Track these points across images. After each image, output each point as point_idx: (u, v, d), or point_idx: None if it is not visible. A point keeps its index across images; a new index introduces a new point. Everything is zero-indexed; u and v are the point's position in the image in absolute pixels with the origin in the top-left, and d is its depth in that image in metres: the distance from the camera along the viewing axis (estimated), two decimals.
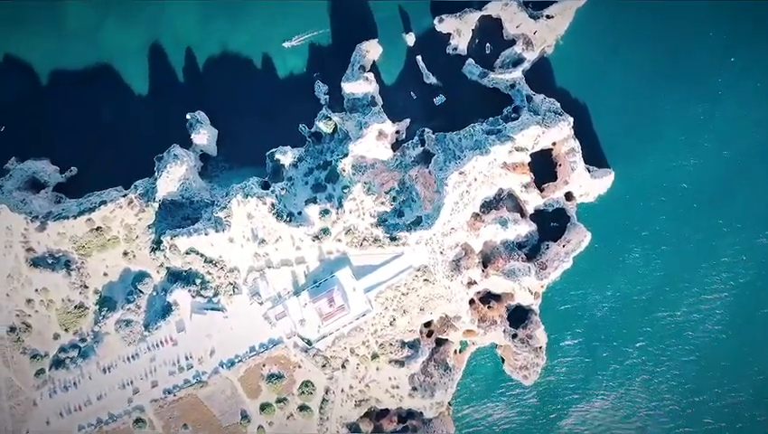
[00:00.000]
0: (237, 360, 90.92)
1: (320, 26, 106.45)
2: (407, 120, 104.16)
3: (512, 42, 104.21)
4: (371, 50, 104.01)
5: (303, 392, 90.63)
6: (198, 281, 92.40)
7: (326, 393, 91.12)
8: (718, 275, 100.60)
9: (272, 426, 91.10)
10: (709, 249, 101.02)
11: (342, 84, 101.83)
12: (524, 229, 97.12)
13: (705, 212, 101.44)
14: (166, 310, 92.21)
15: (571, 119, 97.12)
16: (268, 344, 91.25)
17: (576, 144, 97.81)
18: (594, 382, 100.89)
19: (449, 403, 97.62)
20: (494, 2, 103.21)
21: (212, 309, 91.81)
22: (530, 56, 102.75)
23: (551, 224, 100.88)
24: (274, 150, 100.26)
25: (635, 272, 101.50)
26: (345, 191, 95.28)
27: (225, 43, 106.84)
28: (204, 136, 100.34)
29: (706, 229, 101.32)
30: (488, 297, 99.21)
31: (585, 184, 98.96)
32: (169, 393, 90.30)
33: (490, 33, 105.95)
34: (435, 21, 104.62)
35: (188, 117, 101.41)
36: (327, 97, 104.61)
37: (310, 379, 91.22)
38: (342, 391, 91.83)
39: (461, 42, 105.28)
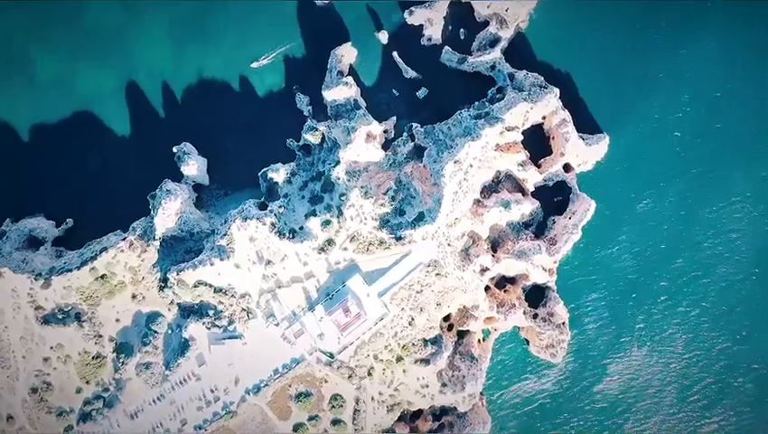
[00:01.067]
0: (262, 384, 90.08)
1: (290, 39, 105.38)
2: (394, 118, 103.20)
3: (486, 24, 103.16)
4: (346, 54, 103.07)
5: (333, 406, 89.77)
6: (211, 313, 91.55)
7: (357, 404, 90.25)
8: (731, 214, 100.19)
9: None
10: (717, 190, 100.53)
11: (323, 92, 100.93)
12: (528, 207, 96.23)
13: (704, 156, 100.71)
14: (184, 346, 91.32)
15: (557, 90, 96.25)
16: (291, 364, 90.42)
17: (565, 114, 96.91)
18: (622, 343, 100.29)
19: (481, 393, 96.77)
20: None
21: (230, 338, 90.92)
22: (506, 34, 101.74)
23: (554, 199, 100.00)
24: (266, 169, 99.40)
25: (646, 227, 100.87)
26: (343, 198, 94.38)
27: (200, 71, 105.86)
28: (194, 167, 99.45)
29: (708, 172, 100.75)
30: (503, 282, 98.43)
31: (581, 153, 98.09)
32: (200, 429, 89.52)
33: (461, 17, 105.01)
34: (405, 14, 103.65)
35: (174, 150, 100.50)
36: (310, 108, 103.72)
37: (338, 392, 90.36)
38: (372, 398, 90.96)
39: (434, 32, 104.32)
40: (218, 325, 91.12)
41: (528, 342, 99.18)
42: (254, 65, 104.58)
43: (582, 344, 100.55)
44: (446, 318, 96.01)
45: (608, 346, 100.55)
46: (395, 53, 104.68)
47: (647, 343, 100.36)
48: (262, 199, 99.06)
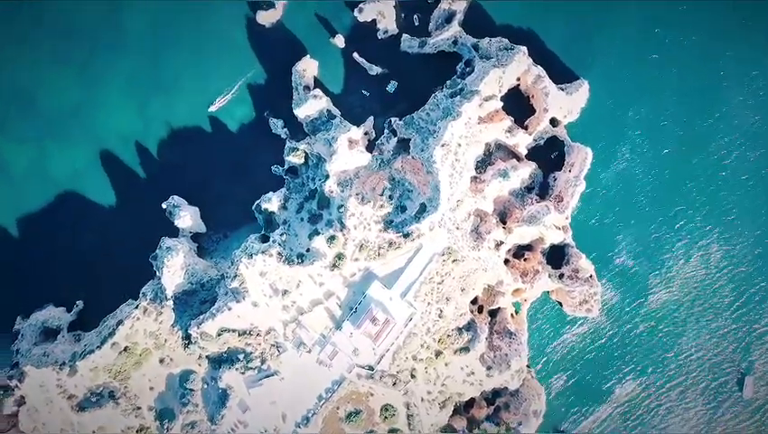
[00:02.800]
0: (310, 414, 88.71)
1: (248, 68, 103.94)
2: (371, 118, 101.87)
3: (437, 2, 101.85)
4: (308, 67, 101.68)
5: (386, 418, 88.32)
6: (241, 357, 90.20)
7: (408, 409, 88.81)
8: (729, 122, 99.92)
9: None
10: (708, 104, 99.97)
11: (295, 111, 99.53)
12: (526, 171, 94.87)
13: (691, 61, 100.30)
14: (223, 397, 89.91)
15: (524, 48, 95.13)
16: (333, 387, 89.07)
17: (538, 69, 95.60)
18: (653, 278, 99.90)
19: (528, 366, 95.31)
20: None
21: (266, 377, 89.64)
22: (459, 6, 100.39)
23: (550, 156, 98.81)
24: (258, 201, 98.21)
25: (649, 158, 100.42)
26: (341, 210, 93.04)
27: (168, 123, 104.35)
28: (187, 218, 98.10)
29: (697, 86, 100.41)
30: (520, 251, 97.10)
31: (564, 104, 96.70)
32: None
33: (412, 2, 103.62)
34: (356, 13, 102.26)
35: (164, 206, 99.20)
36: (286, 130, 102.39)
37: (387, 402, 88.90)
38: (422, 399, 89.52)
39: (388, 23, 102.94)
40: (251, 368, 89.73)
41: (560, 304, 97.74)
42: (211, 109, 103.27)
43: (615, 287, 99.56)
44: (474, 301, 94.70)
45: (641, 282, 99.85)
46: (355, 54, 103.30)
47: (676, 277, 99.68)
48: (262, 232, 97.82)
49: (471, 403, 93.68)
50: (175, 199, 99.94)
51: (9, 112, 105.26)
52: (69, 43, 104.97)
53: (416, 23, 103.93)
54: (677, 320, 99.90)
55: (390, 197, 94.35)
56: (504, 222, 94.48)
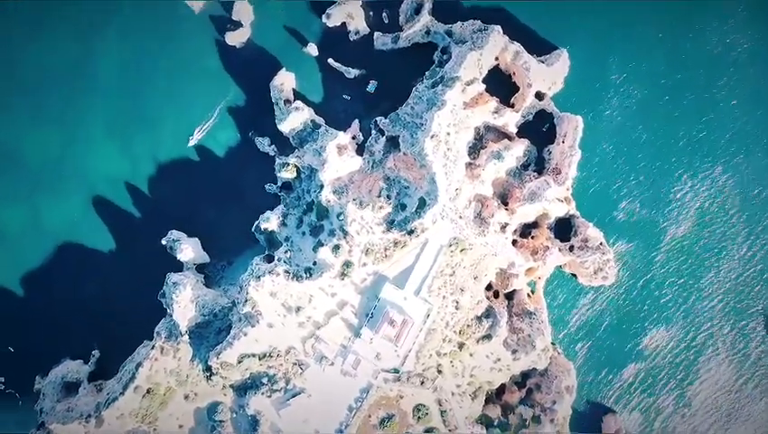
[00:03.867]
0: (343, 427, 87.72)
1: (225, 92, 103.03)
2: (356, 121, 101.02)
3: None
4: (285, 80, 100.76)
5: (419, 418, 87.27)
6: (265, 380, 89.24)
7: (440, 405, 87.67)
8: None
9: None
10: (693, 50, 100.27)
11: (279, 127, 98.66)
12: (519, 149, 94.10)
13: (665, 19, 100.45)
14: (254, 423, 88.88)
15: (498, 27, 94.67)
16: (362, 395, 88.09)
17: (516, 46, 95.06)
18: (664, 222, 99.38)
19: (552, 344, 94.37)
20: None
21: (293, 397, 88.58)
22: None
23: (541, 130, 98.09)
24: (257, 222, 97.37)
25: (637, 110, 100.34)
26: (341, 218, 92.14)
27: (154, 157, 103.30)
28: (189, 251, 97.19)
29: (678, 32, 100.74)
30: (527, 230, 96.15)
31: (546, 76, 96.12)
32: None
33: (377, 2, 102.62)
34: (324, 19, 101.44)
35: (164, 242, 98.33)
36: (273, 146, 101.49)
37: (418, 402, 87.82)
38: (453, 394, 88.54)
39: (358, 24, 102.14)
40: (277, 390, 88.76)
41: (575, 276, 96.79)
42: (191, 143, 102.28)
43: (627, 241, 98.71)
44: (489, 288, 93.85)
45: (652, 228, 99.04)
46: (330, 60, 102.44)
47: (693, 192, 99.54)
48: (266, 252, 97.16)
49: (502, 390, 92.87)
50: (174, 233, 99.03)
51: None
52: (43, 96, 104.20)
53: (386, 20, 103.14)
54: (693, 260, 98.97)
55: (388, 197, 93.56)
56: (506, 204, 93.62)
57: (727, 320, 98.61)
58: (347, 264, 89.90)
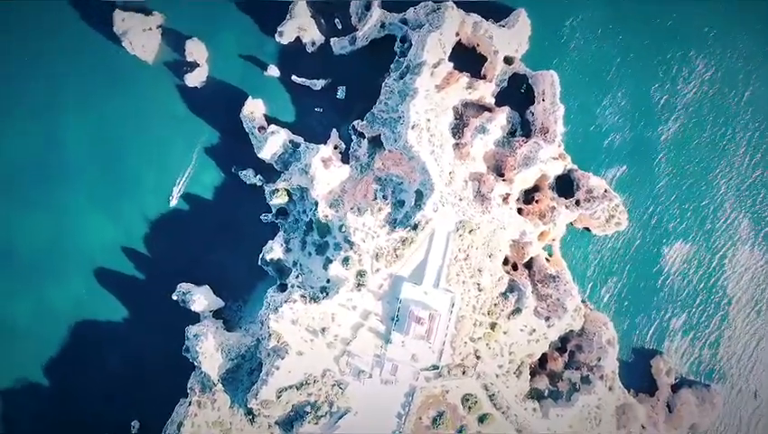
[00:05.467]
0: None
1: (199, 135, 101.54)
2: (334, 131, 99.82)
3: None
4: (254, 108, 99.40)
5: (470, 408, 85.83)
6: (308, 409, 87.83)
7: (487, 390, 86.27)
8: None
9: None
10: None
11: (259, 155, 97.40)
12: (501, 118, 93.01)
13: None
14: None
15: (450, 3, 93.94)
16: (408, 400, 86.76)
17: (473, 17, 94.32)
18: (656, 145, 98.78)
19: (583, 301, 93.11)
20: None
21: (340, 418, 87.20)
22: None
23: (519, 93, 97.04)
24: (261, 255, 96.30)
25: (610, 42, 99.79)
26: (343, 230, 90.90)
27: (145, 218, 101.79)
28: (202, 300, 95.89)
29: None
30: (529, 195, 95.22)
31: (510, 39, 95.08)
32: None
33: (325, 7, 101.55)
34: (276, 38, 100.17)
35: (174, 297, 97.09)
36: (259, 176, 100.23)
37: (465, 392, 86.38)
38: (497, 376, 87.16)
39: (312, 35, 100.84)
40: (322, 415, 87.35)
41: (588, 229, 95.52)
42: (172, 202, 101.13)
43: (630, 191, 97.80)
44: (506, 262, 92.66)
45: (647, 154, 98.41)
46: (294, 77, 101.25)
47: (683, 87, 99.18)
48: (278, 282, 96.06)
49: (544, 359, 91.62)
50: (183, 286, 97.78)
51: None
52: (20, 185, 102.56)
53: (339, 25, 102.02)
54: (694, 159, 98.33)
55: (384, 197, 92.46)
56: (502, 175, 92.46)
57: (743, 210, 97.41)
58: (360, 274, 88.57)
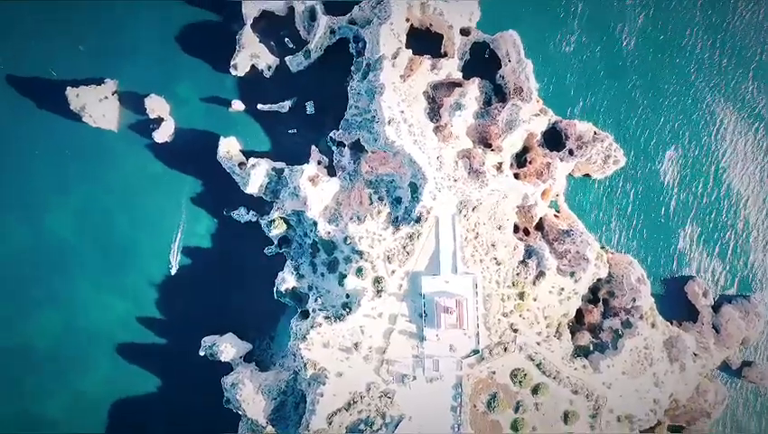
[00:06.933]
0: (456, 429, 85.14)
1: (182, 188, 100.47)
2: (313, 148, 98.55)
3: (291, 11, 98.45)
4: (228, 147, 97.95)
5: (521, 382, 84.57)
6: (363, 427, 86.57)
7: (533, 360, 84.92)
8: None
9: (536, 429, 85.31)
10: None
11: (246, 191, 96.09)
12: (473, 90, 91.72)
13: None
14: None
15: None
16: (457, 391, 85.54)
17: None
18: (634, 88, 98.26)
19: (602, 247, 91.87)
20: (248, 4, 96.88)
21: (396, 427, 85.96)
22: (312, 1, 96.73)
23: (484, 60, 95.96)
24: (276, 288, 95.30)
25: None
26: (348, 242, 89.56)
27: (151, 283, 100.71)
28: (229, 348, 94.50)
29: None
30: (521, 158, 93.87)
31: (462, 11, 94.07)
32: None
33: (271, 29, 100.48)
34: (232, 72, 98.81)
35: (202, 353, 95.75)
36: (252, 212, 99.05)
37: (512, 368, 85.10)
38: (538, 343, 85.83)
39: (266, 59, 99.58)
40: (378, 429, 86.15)
41: (588, 175, 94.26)
42: (173, 270, 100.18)
43: (613, 113, 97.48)
44: (516, 230, 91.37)
45: (618, 70, 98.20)
46: (259, 106, 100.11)
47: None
48: (299, 311, 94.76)
49: (580, 315, 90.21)
50: (207, 340, 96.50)
51: (26, 380, 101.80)
52: (23, 286, 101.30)
53: (290, 43, 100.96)
54: (667, 65, 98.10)
55: (380, 199, 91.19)
56: (489, 145, 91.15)
57: (722, 100, 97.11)
58: (377, 280, 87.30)
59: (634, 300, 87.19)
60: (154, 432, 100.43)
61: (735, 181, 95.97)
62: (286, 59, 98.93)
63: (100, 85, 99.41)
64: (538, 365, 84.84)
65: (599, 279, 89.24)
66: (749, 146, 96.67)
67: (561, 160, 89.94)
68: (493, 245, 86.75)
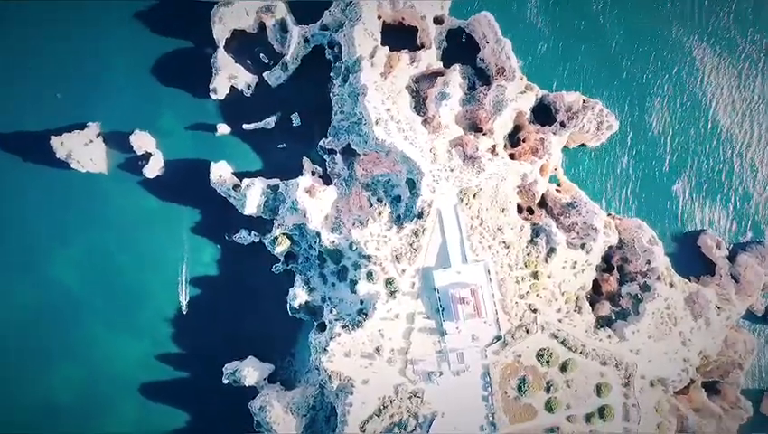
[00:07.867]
0: (490, 418, 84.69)
1: (181, 219, 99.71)
2: (305, 159, 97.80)
3: (262, 26, 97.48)
4: (220, 171, 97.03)
5: (548, 362, 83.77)
6: (397, 430, 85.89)
7: (556, 338, 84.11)
8: None
9: (570, 407, 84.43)
10: None
11: (245, 213, 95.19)
12: (456, 77, 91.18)
13: None
14: None
15: None
16: (486, 381, 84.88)
17: None
18: (614, 47, 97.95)
19: (609, 215, 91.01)
20: (217, 26, 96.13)
21: (430, 425, 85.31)
22: (280, 12, 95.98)
23: (461, 45, 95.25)
24: (289, 304, 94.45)
25: None
26: (354, 247, 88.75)
27: (165, 320, 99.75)
28: (252, 372, 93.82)
29: None
30: (514, 138, 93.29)
31: (432, 1, 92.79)
32: None
33: (244, 47, 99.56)
34: (212, 95, 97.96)
35: (225, 381, 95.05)
36: (253, 233, 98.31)
37: (537, 349, 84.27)
38: (559, 321, 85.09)
39: (244, 78, 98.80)
40: (412, 430, 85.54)
41: (584, 145, 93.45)
42: (184, 304, 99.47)
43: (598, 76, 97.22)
44: (520, 210, 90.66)
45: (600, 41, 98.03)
46: (244, 126, 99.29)
47: None
48: (315, 324, 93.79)
49: (597, 285, 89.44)
50: (228, 367, 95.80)
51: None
52: (38, 345, 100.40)
53: (266, 59, 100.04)
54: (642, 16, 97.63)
55: (379, 199, 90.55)
56: (480, 130, 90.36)
57: (704, 45, 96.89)
58: (389, 282, 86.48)
59: (649, 262, 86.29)
60: None
61: (727, 125, 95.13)
62: (264, 75, 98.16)
63: (84, 129, 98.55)
64: (562, 342, 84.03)
65: (610, 247, 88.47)
66: (735, 89, 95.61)
67: (554, 134, 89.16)
68: (500, 229, 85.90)
